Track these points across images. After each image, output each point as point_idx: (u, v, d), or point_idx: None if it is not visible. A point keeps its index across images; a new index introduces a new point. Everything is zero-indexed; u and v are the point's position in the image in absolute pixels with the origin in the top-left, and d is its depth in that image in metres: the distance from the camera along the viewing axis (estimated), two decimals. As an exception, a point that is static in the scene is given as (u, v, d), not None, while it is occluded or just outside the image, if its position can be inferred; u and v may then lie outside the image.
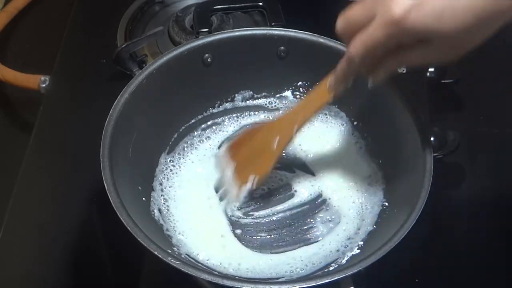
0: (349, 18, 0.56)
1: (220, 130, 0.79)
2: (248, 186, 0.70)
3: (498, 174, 0.79)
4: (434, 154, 0.65)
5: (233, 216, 0.71)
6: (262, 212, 0.72)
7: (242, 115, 0.80)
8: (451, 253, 0.72)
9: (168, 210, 0.71)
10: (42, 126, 0.82)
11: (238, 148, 0.72)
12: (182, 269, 0.56)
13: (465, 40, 0.52)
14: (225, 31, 0.78)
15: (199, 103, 0.78)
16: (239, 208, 0.72)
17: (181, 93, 0.74)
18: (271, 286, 0.57)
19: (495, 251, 0.72)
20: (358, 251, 0.66)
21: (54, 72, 0.88)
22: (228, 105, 0.79)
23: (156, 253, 0.56)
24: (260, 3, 0.90)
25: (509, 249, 0.72)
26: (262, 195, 0.73)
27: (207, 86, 0.76)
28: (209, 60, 0.74)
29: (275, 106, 0.80)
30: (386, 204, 0.69)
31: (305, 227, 0.71)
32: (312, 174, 0.75)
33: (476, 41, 0.52)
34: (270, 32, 0.76)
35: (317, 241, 0.69)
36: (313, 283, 0.55)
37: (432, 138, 0.68)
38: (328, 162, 0.75)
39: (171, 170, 0.74)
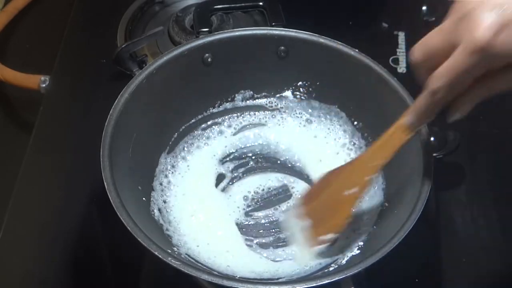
0: (428, 46, 0.51)
1: (220, 130, 0.79)
2: (323, 244, 0.65)
3: (498, 174, 0.79)
4: (434, 154, 0.65)
5: (233, 215, 0.71)
6: (261, 213, 0.72)
7: (242, 115, 0.80)
8: (451, 253, 0.72)
9: (168, 210, 0.71)
10: (42, 126, 0.82)
11: (311, 202, 0.67)
12: (182, 269, 0.56)
13: None
14: (225, 31, 0.78)
15: (199, 103, 0.77)
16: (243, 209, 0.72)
17: (181, 93, 0.74)
18: (271, 286, 0.57)
19: (495, 251, 0.72)
20: (358, 251, 0.66)
21: (54, 72, 0.88)
22: (228, 105, 0.79)
23: (156, 253, 0.56)
24: (260, 3, 0.90)
25: (509, 249, 0.72)
26: (262, 196, 0.73)
27: (207, 86, 0.76)
28: (209, 60, 0.74)
29: (275, 106, 0.80)
30: (386, 204, 0.69)
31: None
32: (312, 174, 0.75)
33: None
34: (270, 32, 0.75)
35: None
36: (313, 284, 0.55)
37: (432, 138, 0.68)
38: (328, 162, 0.75)
39: (171, 170, 0.74)
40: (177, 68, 0.73)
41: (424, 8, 0.92)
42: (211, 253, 0.67)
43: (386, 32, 0.92)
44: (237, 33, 0.75)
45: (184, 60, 0.73)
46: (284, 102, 0.80)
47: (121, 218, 0.58)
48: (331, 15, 0.95)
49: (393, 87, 0.69)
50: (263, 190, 0.74)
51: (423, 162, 0.63)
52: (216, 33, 0.76)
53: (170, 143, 0.75)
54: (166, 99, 0.73)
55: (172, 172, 0.74)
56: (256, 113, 0.80)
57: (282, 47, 0.75)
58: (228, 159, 0.77)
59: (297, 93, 0.79)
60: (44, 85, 0.86)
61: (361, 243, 0.66)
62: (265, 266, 0.67)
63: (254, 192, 0.73)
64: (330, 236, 0.64)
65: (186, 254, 0.66)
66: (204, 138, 0.78)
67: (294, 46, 0.75)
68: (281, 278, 0.65)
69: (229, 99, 0.79)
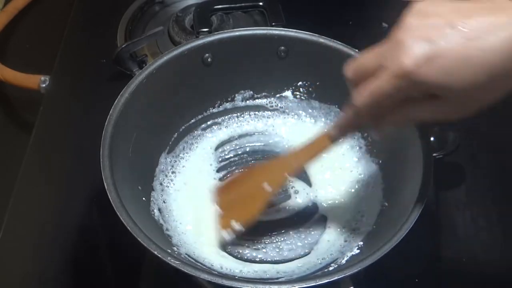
0: (359, 65, 0.54)
1: (220, 130, 0.79)
2: (228, 233, 0.67)
3: (498, 174, 0.79)
4: (434, 154, 0.65)
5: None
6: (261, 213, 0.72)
7: (242, 115, 0.80)
8: (451, 253, 0.72)
9: (168, 210, 0.71)
10: (42, 126, 0.82)
11: (226, 192, 0.70)
12: (182, 269, 0.56)
13: (477, 98, 0.50)
14: (225, 31, 0.78)
15: (199, 103, 0.78)
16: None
17: (181, 93, 0.75)
18: (271, 286, 0.57)
19: (495, 251, 0.72)
20: (358, 251, 0.66)
21: (54, 72, 0.88)
22: (228, 105, 0.79)
23: (156, 253, 0.56)
24: (260, 3, 0.90)
25: (509, 249, 0.72)
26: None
27: (207, 86, 0.76)
28: (209, 60, 0.74)
29: (275, 106, 0.80)
30: (386, 204, 0.69)
31: (305, 227, 0.71)
32: (311, 174, 0.75)
33: (489, 99, 0.51)
34: (270, 32, 0.75)
35: (316, 241, 0.69)
36: (312, 283, 0.55)
37: (432, 138, 0.68)
38: (327, 162, 0.75)
39: (171, 170, 0.74)
40: (177, 68, 0.73)
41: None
42: (211, 253, 0.67)
43: (386, 32, 0.92)
44: (237, 33, 0.75)
45: (184, 60, 0.73)
46: (284, 102, 0.80)
47: (121, 218, 0.58)
48: (331, 15, 0.95)
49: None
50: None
51: (423, 162, 0.63)
52: (216, 33, 0.76)
53: (170, 143, 0.75)
54: (166, 99, 0.73)
55: (172, 172, 0.74)
56: (256, 113, 0.80)
57: (282, 47, 0.75)
58: (228, 159, 0.77)
59: (297, 93, 0.79)
60: (44, 85, 0.86)
61: (361, 243, 0.66)
62: (265, 266, 0.67)
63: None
64: (237, 226, 0.66)
65: (186, 254, 0.66)
66: (204, 138, 0.78)
67: (294, 46, 0.75)
68: (281, 277, 0.65)
69: (229, 99, 0.79)
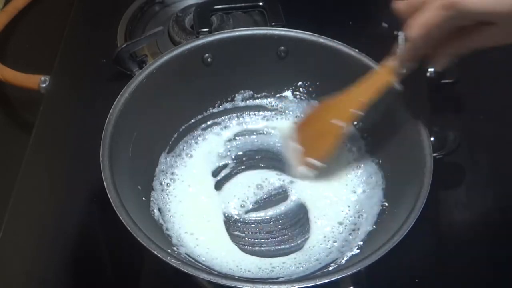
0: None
1: (220, 130, 0.79)
2: (309, 168, 0.70)
3: (498, 173, 0.79)
4: (434, 154, 0.65)
5: (232, 216, 0.71)
6: (261, 213, 0.72)
7: (242, 115, 0.80)
8: (451, 253, 0.72)
9: (168, 209, 0.71)
10: (42, 126, 0.82)
11: (302, 131, 0.73)
12: (182, 269, 0.56)
13: None
14: (225, 31, 0.78)
15: (199, 103, 0.78)
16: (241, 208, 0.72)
17: (181, 93, 0.74)
18: (271, 286, 0.57)
19: (495, 251, 0.72)
20: (358, 251, 0.66)
21: (54, 72, 0.88)
22: (228, 105, 0.79)
23: (155, 252, 0.56)
24: (260, 3, 0.90)
25: (509, 249, 0.72)
26: (262, 196, 0.73)
27: (207, 86, 0.76)
28: (209, 60, 0.74)
29: (275, 106, 0.80)
30: (386, 204, 0.68)
31: (304, 227, 0.71)
32: (311, 174, 0.75)
33: None
34: (270, 32, 0.75)
35: (316, 242, 0.69)
36: (312, 283, 0.55)
37: (432, 138, 0.68)
38: (327, 162, 0.75)
39: (171, 169, 0.74)
40: (177, 68, 0.73)
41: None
42: (211, 253, 0.67)
43: (386, 32, 0.92)
44: (237, 33, 0.75)
45: (184, 60, 0.73)
46: (284, 102, 0.80)
47: (121, 218, 0.58)
48: (331, 15, 0.95)
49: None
50: (262, 190, 0.74)
51: (423, 162, 0.63)
52: (216, 33, 0.76)
53: (170, 143, 0.75)
54: (166, 99, 0.73)
55: (172, 172, 0.74)
56: (256, 113, 0.80)
57: (282, 47, 0.75)
58: (228, 159, 0.77)
59: (297, 93, 0.79)
60: (44, 85, 0.86)
61: (361, 243, 0.66)
62: (264, 265, 0.67)
63: (254, 192, 0.73)
64: (315, 162, 0.69)
65: (185, 253, 0.66)
66: (204, 138, 0.78)
67: (294, 46, 0.75)
68: (280, 277, 0.65)
69: (229, 99, 0.79)
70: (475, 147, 0.80)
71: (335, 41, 0.73)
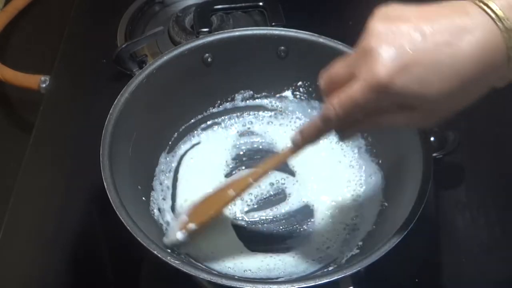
0: (331, 74, 0.53)
1: (220, 130, 0.79)
2: (182, 233, 0.65)
3: (498, 174, 0.79)
4: (434, 154, 0.65)
5: (232, 215, 0.71)
6: (260, 213, 0.72)
7: (242, 115, 0.80)
8: (451, 253, 0.72)
9: (168, 209, 0.71)
10: (42, 126, 0.82)
11: (196, 205, 0.68)
12: (182, 269, 0.56)
13: (450, 105, 0.50)
14: (225, 31, 0.78)
15: (199, 103, 0.78)
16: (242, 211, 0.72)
17: (181, 93, 0.75)
18: (271, 286, 0.57)
19: (495, 251, 0.72)
20: (358, 251, 0.66)
21: (54, 72, 0.88)
22: (228, 105, 0.79)
23: (155, 252, 0.56)
24: (260, 3, 0.90)
25: (509, 249, 0.72)
26: (261, 196, 0.73)
27: (207, 86, 0.76)
28: (209, 60, 0.74)
29: (275, 106, 0.80)
30: (386, 204, 0.69)
31: (304, 227, 0.71)
32: (311, 174, 0.75)
33: (461, 105, 0.50)
34: (270, 32, 0.76)
35: (316, 241, 0.69)
36: (312, 283, 0.55)
37: (432, 138, 0.68)
38: (328, 162, 0.75)
39: (171, 169, 0.74)
40: (177, 68, 0.73)
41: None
42: (210, 253, 0.67)
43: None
44: (237, 33, 0.75)
45: (184, 60, 0.73)
46: (284, 102, 0.80)
47: (121, 218, 0.58)
48: (331, 15, 0.95)
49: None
50: (262, 190, 0.74)
51: (423, 162, 0.63)
52: (216, 33, 0.76)
53: (170, 142, 0.76)
54: (166, 99, 0.73)
55: (172, 172, 0.74)
56: (256, 113, 0.80)
57: (282, 47, 0.75)
58: (227, 159, 0.77)
59: (297, 93, 0.79)
60: (44, 85, 0.86)
61: (361, 243, 0.66)
62: (264, 265, 0.67)
63: (254, 192, 0.73)
64: (192, 226, 0.65)
65: (185, 253, 0.66)
66: (204, 138, 0.78)
67: (294, 46, 0.75)
68: (280, 277, 0.65)
69: (229, 99, 0.79)
70: (475, 147, 0.80)
71: (335, 41, 0.73)
